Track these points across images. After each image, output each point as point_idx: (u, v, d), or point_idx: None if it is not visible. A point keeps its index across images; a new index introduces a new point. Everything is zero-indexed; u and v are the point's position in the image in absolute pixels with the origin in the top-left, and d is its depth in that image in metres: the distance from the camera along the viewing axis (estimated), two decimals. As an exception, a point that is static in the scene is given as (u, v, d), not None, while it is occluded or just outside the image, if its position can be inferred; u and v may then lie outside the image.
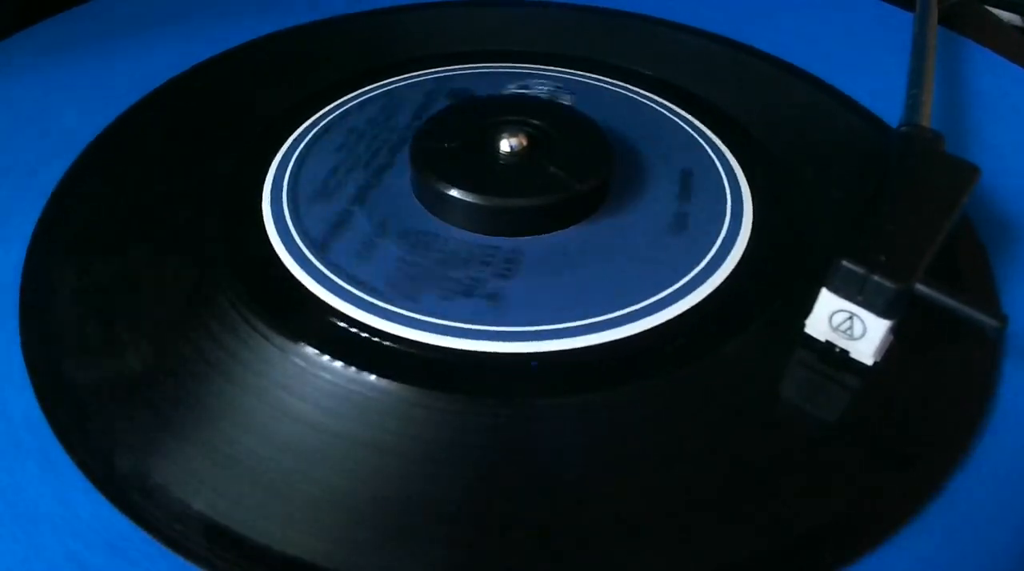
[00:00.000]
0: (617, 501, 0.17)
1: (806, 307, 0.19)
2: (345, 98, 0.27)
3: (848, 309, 0.19)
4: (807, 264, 0.22)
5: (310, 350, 0.19)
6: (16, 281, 0.21)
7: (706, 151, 0.26)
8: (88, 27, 0.31)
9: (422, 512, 0.17)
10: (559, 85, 0.28)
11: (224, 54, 0.30)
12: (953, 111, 0.29)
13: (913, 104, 0.24)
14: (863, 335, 0.19)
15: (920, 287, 0.18)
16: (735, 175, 0.25)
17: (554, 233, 0.22)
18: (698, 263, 0.21)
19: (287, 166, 0.24)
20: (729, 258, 0.22)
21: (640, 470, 0.17)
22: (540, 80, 0.29)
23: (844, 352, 0.19)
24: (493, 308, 0.20)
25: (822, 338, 0.19)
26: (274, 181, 0.24)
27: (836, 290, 0.19)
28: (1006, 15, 0.37)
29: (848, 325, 0.19)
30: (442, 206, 0.22)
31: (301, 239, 0.22)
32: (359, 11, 0.33)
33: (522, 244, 0.22)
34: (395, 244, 0.22)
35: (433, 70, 0.29)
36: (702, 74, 0.29)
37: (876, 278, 0.18)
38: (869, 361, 0.19)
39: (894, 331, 0.19)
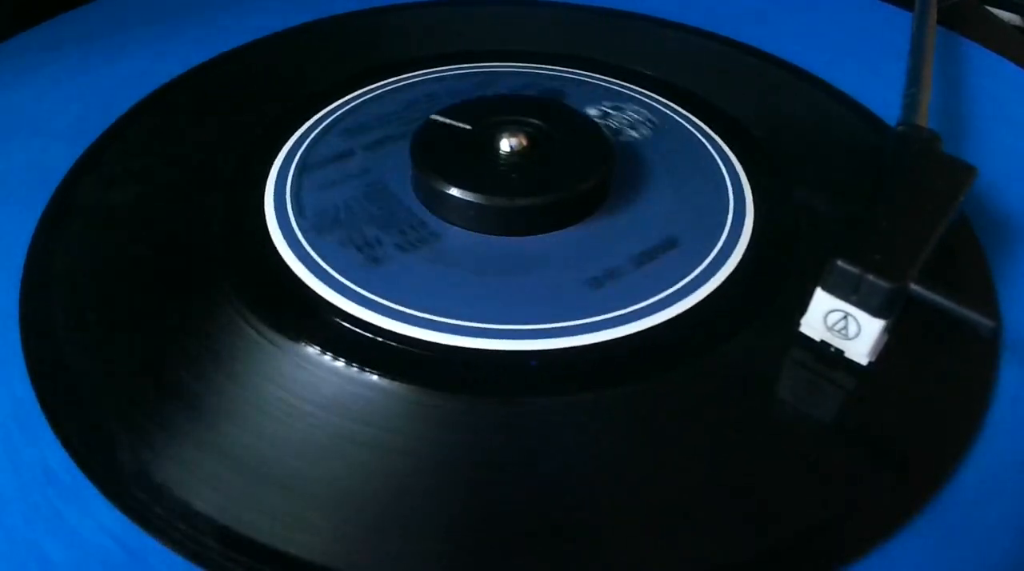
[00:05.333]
0: (615, 501, 0.17)
1: (803, 307, 0.19)
2: (346, 98, 0.27)
3: (843, 309, 0.19)
4: (807, 264, 0.22)
5: (312, 349, 0.19)
6: (16, 281, 0.21)
7: (707, 151, 0.26)
8: (88, 27, 0.31)
9: (424, 511, 0.17)
10: (560, 84, 0.28)
11: (225, 55, 0.30)
12: (952, 111, 0.29)
13: (911, 103, 0.24)
14: (858, 335, 0.19)
15: (914, 287, 0.18)
16: (736, 175, 0.25)
17: (555, 232, 0.22)
18: (699, 264, 0.22)
19: (289, 165, 0.24)
20: (730, 259, 0.22)
21: (638, 470, 0.17)
22: (541, 80, 0.29)
23: (839, 352, 0.19)
24: (493, 307, 0.20)
25: (817, 338, 0.19)
26: (277, 180, 0.24)
27: (831, 289, 0.19)
28: (1006, 15, 0.37)
29: (843, 325, 0.19)
30: (443, 205, 0.22)
31: (303, 238, 0.22)
32: (360, 10, 0.33)
33: (523, 244, 0.22)
34: (396, 244, 0.22)
35: (434, 70, 0.29)
36: (702, 74, 0.29)
37: (870, 278, 0.18)
38: (864, 361, 0.19)
39: (889, 330, 0.19)
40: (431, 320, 0.20)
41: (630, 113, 0.23)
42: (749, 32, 0.32)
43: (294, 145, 0.25)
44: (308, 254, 0.21)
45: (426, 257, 0.21)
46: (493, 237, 0.22)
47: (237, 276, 0.21)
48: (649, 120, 0.24)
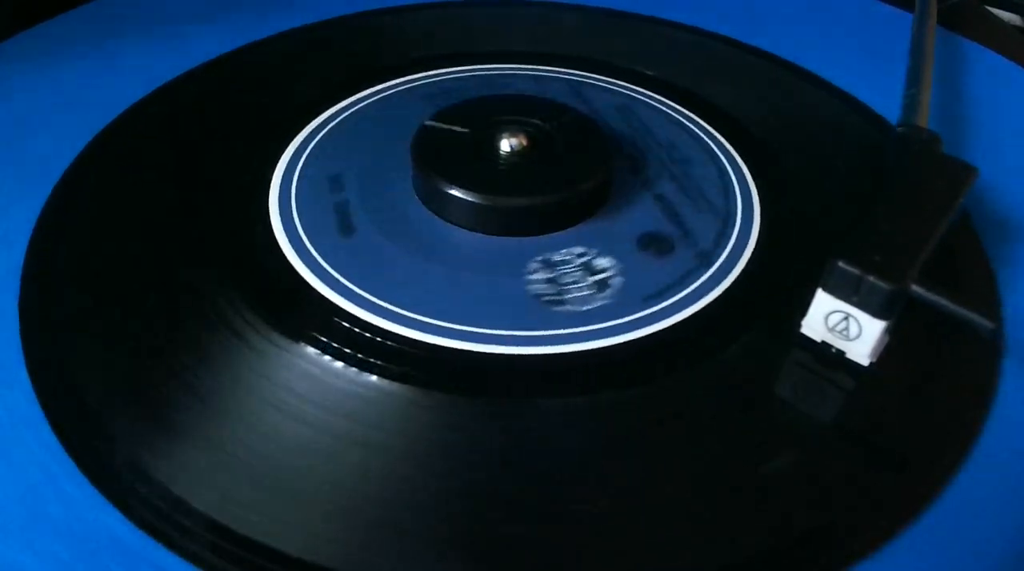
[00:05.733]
0: (617, 502, 0.17)
1: (804, 308, 0.19)
2: (348, 100, 0.27)
3: (844, 309, 0.19)
4: (809, 265, 0.22)
5: (311, 349, 0.19)
6: (16, 281, 0.21)
7: (708, 152, 0.26)
8: (88, 27, 0.31)
9: (422, 511, 0.17)
10: (561, 85, 0.28)
11: (226, 55, 0.30)
12: (953, 111, 0.29)
13: (911, 104, 0.24)
14: (859, 336, 0.19)
15: (915, 288, 0.18)
16: (738, 175, 0.25)
17: (555, 233, 0.22)
18: (703, 266, 0.22)
19: (294, 168, 0.24)
20: (738, 263, 0.22)
21: (639, 471, 0.17)
22: (542, 80, 0.29)
23: (840, 353, 0.19)
24: (494, 308, 0.20)
25: (818, 339, 0.19)
26: (281, 182, 0.24)
27: (831, 290, 0.19)
28: (1006, 15, 0.37)
29: (844, 326, 0.19)
30: (443, 206, 0.22)
31: (305, 238, 0.22)
32: (361, 11, 0.33)
33: (523, 244, 0.22)
34: (397, 244, 0.22)
35: (434, 71, 0.29)
36: (704, 74, 0.29)
37: (871, 279, 0.18)
38: (865, 362, 0.19)
39: (890, 331, 0.19)
40: (430, 322, 0.20)
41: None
42: (750, 32, 0.32)
43: (299, 145, 0.25)
44: (311, 253, 0.21)
45: (425, 257, 0.21)
46: (491, 237, 0.22)
47: (238, 275, 0.21)
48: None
